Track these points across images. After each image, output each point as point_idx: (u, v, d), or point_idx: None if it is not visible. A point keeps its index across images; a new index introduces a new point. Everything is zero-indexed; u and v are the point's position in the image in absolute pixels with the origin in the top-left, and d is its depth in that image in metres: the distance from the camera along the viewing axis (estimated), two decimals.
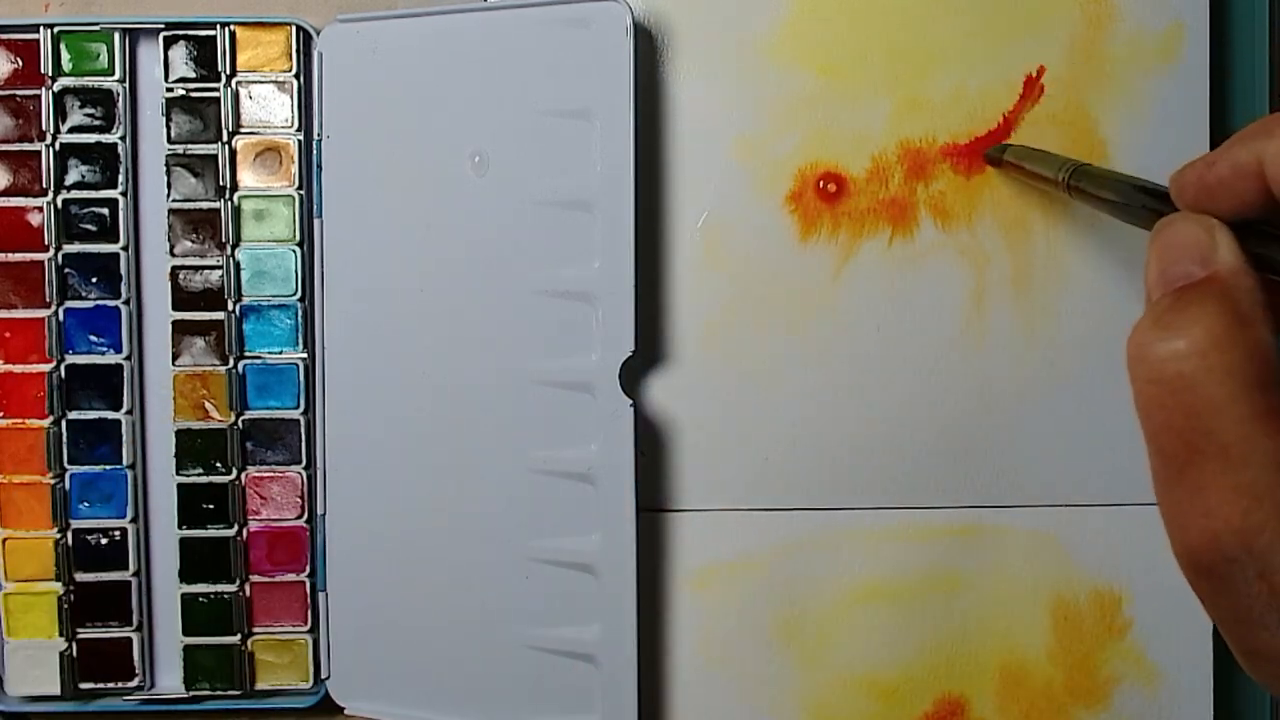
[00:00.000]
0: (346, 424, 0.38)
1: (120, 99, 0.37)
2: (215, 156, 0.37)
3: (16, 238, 0.37)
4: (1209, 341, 0.20)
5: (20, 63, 0.37)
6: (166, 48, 0.37)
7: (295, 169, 0.38)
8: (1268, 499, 0.19)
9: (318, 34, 0.37)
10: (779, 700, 0.37)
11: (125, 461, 0.38)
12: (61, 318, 0.38)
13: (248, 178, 0.38)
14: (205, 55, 0.37)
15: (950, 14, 0.37)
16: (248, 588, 0.38)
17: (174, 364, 0.38)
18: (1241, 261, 0.21)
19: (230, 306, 0.38)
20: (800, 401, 0.37)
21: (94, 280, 0.38)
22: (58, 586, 0.38)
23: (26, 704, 0.38)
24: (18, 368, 0.37)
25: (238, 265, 0.38)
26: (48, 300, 0.37)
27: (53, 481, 0.37)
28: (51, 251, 0.37)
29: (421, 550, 0.37)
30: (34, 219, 0.37)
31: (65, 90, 0.37)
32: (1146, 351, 0.21)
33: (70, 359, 0.38)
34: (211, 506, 0.38)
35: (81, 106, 0.37)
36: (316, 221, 0.38)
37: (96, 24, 0.37)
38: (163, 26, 0.37)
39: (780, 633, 0.37)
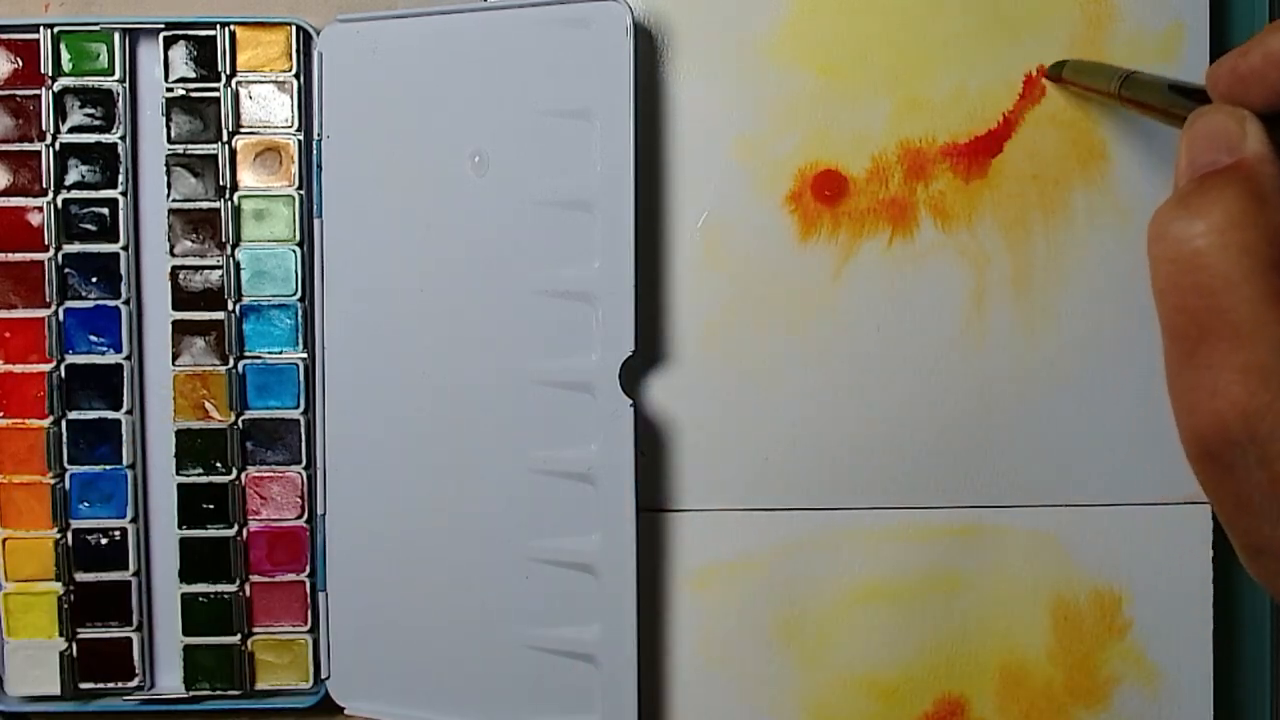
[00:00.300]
0: (346, 424, 0.38)
1: (120, 99, 0.37)
2: (215, 156, 0.37)
3: (16, 238, 0.37)
4: (1227, 221, 0.20)
5: (20, 63, 0.37)
6: (166, 48, 0.37)
7: (295, 169, 0.38)
8: (1274, 381, 0.19)
9: (318, 34, 0.37)
10: (779, 700, 0.37)
11: (125, 461, 0.38)
12: (61, 318, 0.38)
13: (248, 178, 0.38)
14: (205, 55, 0.37)
15: (950, 14, 0.37)
16: (248, 588, 0.38)
17: (174, 364, 0.38)
18: (1268, 149, 0.21)
19: (230, 306, 0.38)
20: (800, 401, 0.37)
21: (94, 280, 0.38)
22: (58, 586, 0.38)
23: (26, 704, 0.38)
24: (18, 368, 0.37)
25: (238, 265, 0.38)
26: (48, 300, 0.37)
27: (53, 481, 0.38)
28: (51, 251, 0.37)
29: (421, 550, 0.37)
30: (34, 219, 0.37)
31: (65, 90, 0.37)
32: (1166, 230, 0.21)
33: (70, 359, 0.38)
34: (211, 506, 0.38)
35: (81, 106, 0.37)
36: (316, 221, 0.38)
37: (96, 24, 0.37)
38: (163, 26, 0.37)
39: (780, 633, 0.37)
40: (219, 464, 0.38)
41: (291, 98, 0.38)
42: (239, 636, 0.38)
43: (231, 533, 0.38)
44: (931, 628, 0.37)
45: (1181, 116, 0.26)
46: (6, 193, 0.37)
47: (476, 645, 0.37)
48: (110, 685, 0.38)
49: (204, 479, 0.38)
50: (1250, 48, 0.23)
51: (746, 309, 0.37)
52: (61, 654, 0.38)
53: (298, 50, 0.38)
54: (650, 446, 0.37)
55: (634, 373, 0.37)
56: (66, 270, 0.37)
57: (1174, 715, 0.37)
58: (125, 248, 0.38)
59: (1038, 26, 0.37)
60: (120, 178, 0.37)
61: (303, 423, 0.38)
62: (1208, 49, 0.36)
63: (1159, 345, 0.37)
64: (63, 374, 0.38)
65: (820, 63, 0.37)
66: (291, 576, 0.38)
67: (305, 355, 0.38)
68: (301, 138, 0.38)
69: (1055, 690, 0.38)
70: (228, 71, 0.37)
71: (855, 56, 0.37)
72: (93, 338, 0.38)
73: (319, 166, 0.37)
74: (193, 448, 0.38)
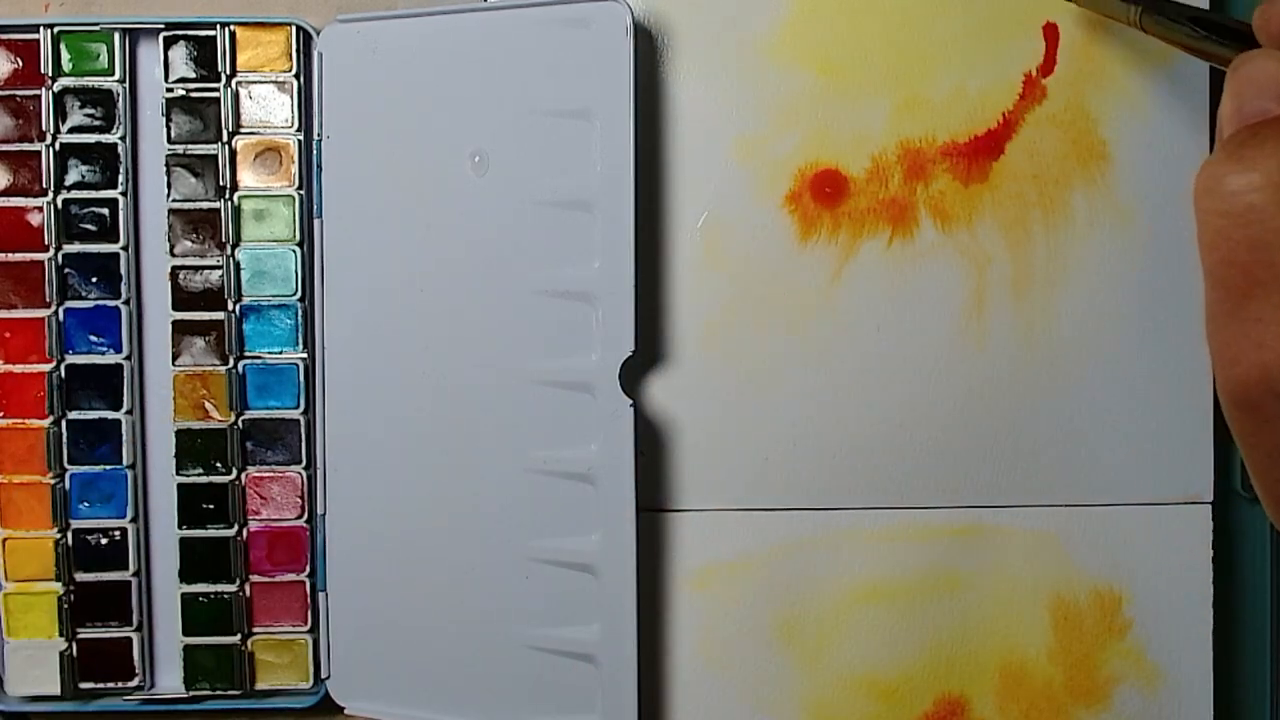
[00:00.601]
0: (346, 424, 0.38)
1: (120, 99, 0.37)
2: (215, 156, 0.37)
3: (16, 238, 0.37)
4: None
5: (20, 63, 0.37)
6: (166, 48, 0.37)
7: (295, 169, 0.38)
8: None
9: (318, 34, 0.37)
10: (779, 700, 0.37)
11: (125, 461, 0.38)
12: (61, 318, 0.38)
13: (248, 178, 0.38)
14: (205, 55, 0.37)
15: (950, 14, 0.37)
16: (248, 588, 0.38)
17: (174, 364, 0.38)
18: None
19: (230, 306, 0.38)
20: (800, 401, 0.37)
21: (94, 280, 0.38)
22: (58, 586, 0.38)
23: (26, 704, 0.38)
24: (18, 368, 0.37)
25: (238, 265, 0.38)
26: (48, 300, 0.37)
27: (53, 481, 0.38)
28: (51, 251, 0.37)
29: (421, 550, 0.37)
30: (34, 219, 0.37)
31: (65, 90, 0.37)
32: (1218, 184, 0.21)
33: (70, 359, 0.38)
34: (211, 506, 0.38)
35: (81, 106, 0.37)
36: (316, 221, 0.38)
37: (96, 24, 0.37)
38: (163, 26, 0.37)
39: (780, 633, 0.37)
40: (219, 464, 0.38)
41: (291, 98, 0.38)
42: (239, 636, 0.38)
43: (231, 533, 0.38)
44: (931, 628, 0.37)
45: (1206, 52, 0.25)
46: (6, 193, 0.37)
47: (476, 645, 0.37)
48: (110, 685, 0.38)
49: (204, 479, 0.38)
50: None
51: (746, 309, 0.37)
52: (61, 654, 0.38)
53: (298, 50, 0.38)
54: (650, 446, 0.37)
55: (634, 373, 0.37)
56: (66, 270, 0.37)
57: (1174, 715, 0.37)
58: (125, 248, 0.38)
59: (1038, 26, 0.37)
60: (120, 178, 0.37)
61: (303, 423, 0.38)
62: None
63: (1158, 346, 0.37)
64: (63, 374, 0.38)
65: (820, 63, 0.37)
66: (291, 576, 0.38)
67: (305, 355, 0.38)
68: (301, 138, 0.38)
69: (1055, 690, 0.38)
70: (228, 72, 0.37)
71: (855, 56, 0.37)
72: (93, 338, 0.38)
73: (319, 166, 0.37)
74: (193, 448, 0.38)
